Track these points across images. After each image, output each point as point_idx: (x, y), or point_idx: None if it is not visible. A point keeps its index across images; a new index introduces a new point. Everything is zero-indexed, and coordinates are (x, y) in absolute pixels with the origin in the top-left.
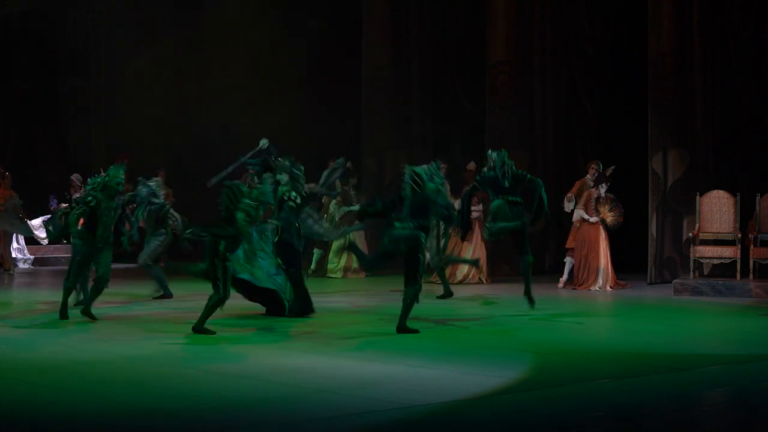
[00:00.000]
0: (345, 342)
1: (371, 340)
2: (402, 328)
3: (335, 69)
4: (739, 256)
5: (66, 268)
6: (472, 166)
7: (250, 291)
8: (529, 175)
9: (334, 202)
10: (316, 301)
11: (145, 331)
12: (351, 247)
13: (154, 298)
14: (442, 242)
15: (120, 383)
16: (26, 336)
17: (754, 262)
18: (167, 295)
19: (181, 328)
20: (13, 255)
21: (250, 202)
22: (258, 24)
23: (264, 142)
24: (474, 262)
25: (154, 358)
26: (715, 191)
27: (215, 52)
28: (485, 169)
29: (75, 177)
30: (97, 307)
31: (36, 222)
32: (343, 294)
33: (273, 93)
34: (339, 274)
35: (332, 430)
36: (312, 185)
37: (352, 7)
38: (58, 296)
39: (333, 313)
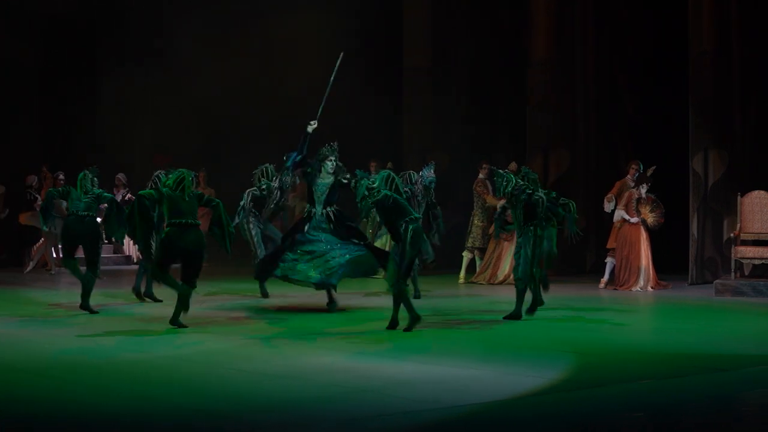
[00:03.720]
0: (383, 341)
1: (410, 340)
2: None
3: (376, 69)
4: None
5: (108, 267)
6: (513, 166)
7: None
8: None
9: None
10: (355, 300)
11: (181, 331)
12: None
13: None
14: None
15: (158, 383)
16: (67, 335)
17: None
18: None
19: (217, 328)
20: (53, 255)
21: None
22: (300, 26)
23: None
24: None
25: (192, 358)
26: (756, 191)
27: (257, 54)
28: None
29: (120, 176)
30: (129, 305)
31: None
32: (380, 293)
33: (314, 92)
34: (380, 275)
35: (371, 430)
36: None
37: (393, 7)
38: (97, 297)
39: (372, 312)
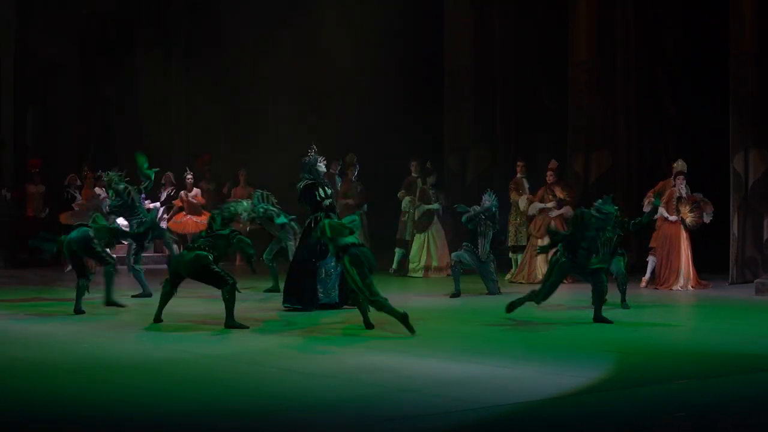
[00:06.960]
0: (427, 341)
1: (453, 340)
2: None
3: (418, 67)
4: None
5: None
6: (553, 165)
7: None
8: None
9: (407, 200)
10: (397, 300)
11: (224, 331)
12: None
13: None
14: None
15: (199, 382)
16: (105, 334)
17: None
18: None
19: (258, 327)
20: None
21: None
22: (340, 24)
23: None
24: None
25: (233, 357)
26: None
27: (298, 54)
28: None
29: (169, 174)
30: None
31: (120, 221)
32: (424, 293)
33: (355, 93)
34: (420, 273)
35: (415, 429)
36: None
37: (435, 6)
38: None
39: (414, 312)
